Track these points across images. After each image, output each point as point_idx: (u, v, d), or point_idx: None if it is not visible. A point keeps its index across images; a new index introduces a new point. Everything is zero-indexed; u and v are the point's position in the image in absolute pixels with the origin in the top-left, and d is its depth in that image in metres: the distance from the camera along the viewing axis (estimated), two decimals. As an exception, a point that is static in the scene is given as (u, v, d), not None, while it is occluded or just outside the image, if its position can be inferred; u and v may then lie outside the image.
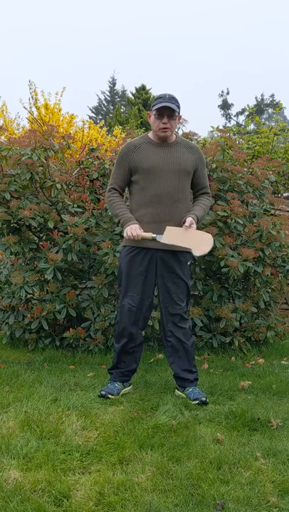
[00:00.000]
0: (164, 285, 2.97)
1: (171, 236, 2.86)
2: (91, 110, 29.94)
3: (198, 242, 2.90)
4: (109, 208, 3.06)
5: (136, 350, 3.03)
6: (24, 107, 9.93)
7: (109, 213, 4.03)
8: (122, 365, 3.04)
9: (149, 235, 2.86)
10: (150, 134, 3.03)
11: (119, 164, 3.01)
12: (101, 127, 11.53)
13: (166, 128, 2.90)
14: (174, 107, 2.86)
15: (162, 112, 2.88)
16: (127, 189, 3.12)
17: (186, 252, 2.98)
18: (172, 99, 2.89)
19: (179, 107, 2.92)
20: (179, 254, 2.95)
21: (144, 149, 2.95)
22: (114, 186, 3.04)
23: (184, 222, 2.89)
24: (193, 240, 2.88)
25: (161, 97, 2.90)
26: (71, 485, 1.90)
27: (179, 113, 2.94)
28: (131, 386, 3.09)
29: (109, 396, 2.87)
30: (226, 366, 3.78)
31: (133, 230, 2.85)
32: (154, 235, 2.86)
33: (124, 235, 2.91)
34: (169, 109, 2.87)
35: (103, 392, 2.89)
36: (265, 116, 29.52)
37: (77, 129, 10.01)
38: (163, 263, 2.94)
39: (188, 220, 2.89)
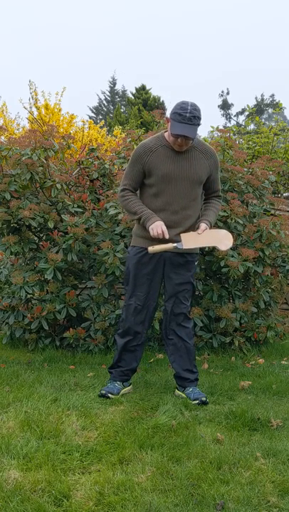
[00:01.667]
0: (170, 285, 2.97)
1: (190, 240, 2.84)
2: (91, 110, 29.98)
3: (219, 238, 2.91)
4: (125, 206, 2.98)
5: (137, 348, 3.03)
6: (24, 107, 9.95)
7: (109, 213, 4.03)
8: (123, 363, 3.04)
9: (170, 245, 2.83)
10: (166, 135, 2.91)
11: (133, 165, 2.93)
12: (101, 127, 11.54)
13: (182, 147, 2.82)
14: (192, 133, 2.70)
15: (179, 135, 2.75)
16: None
17: (194, 253, 2.98)
18: (192, 118, 2.69)
19: (199, 124, 2.75)
20: (186, 255, 2.94)
21: (159, 154, 2.86)
22: (128, 187, 2.96)
23: (198, 228, 2.88)
24: (213, 237, 2.89)
25: (181, 115, 2.69)
26: (71, 485, 1.90)
27: (198, 126, 2.77)
28: (131, 386, 3.09)
29: (110, 396, 2.87)
30: (226, 366, 3.78)
31: (158, 228, 2.80)
32: (175, 244, 2.83)
33: (151, 233, 2.82)
34: (186, 136, 2.73)
35: (103, 392, 2.89)
36: (265, 116, 29.53)
37: (77, 129, 10.01)
38: (170, 263, 2.94)
39: (202, 226, 2.87)
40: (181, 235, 2.86)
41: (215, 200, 3.09)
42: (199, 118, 2.74)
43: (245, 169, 4.57)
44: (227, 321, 4.06)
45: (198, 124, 2.75)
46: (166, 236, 2.80)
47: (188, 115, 2.70)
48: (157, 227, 2.81)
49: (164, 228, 2.81)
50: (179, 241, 2.85)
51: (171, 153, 2.87)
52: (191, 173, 2.87)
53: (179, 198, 2.87)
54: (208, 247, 3.90)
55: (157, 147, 2.89)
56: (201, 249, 4.02)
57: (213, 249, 3.99)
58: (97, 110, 30.13)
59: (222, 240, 2.92)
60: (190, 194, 2.89)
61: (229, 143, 4.42)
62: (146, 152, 2.88)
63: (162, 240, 2.84)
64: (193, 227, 2.92)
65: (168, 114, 2.90)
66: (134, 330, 2.97)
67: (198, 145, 2.94)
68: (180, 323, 2.99)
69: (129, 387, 3.06)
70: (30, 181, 4.06)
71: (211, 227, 2.95)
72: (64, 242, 3.94)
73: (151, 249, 2.83)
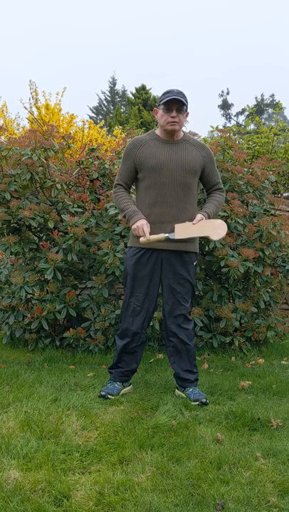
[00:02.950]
0: (168, 285, 2.95)
1: (183, 231, 2.82)
2: (91, 110, 29.97)
3: (212, 228, 2.85)
4: (116, 203, 3.02)
5: (137, 350, 3.02)
6: (24, 107, 9.94)
7: (109, 213, 4.03)
8: (123, 364, 3.03)
9: (162, 235, 2.81)
10: (157, 131, 2.98)
11: (124, 160, 2.97)
12: (101, 127, 11.53)
13: (175, 122, 2.85)
14: (182, 100, 2.83)
15: (171, 105, 2.83)
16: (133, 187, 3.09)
17: (192, 253, 2.96)
18: (180, 93, 2.85)
19: (187, 102, 2.88)
20: (184, 254, 2.93)
21: (150, 146, 2.91)
22: (120, 182, 3.00)
23: (194, 218, 2.87)
24: (206, 228, 2.84)
25: (169, 92, 2.86)
26: (71, 485, 1.90)
27: (187, 108, 2.89)
28: (131, 386, 3.08)
29: (109, 396, 2.87)
30: (226, 366, 3.78)
31: (140, 229, 2.80)
32: (167, 235, 2.81)
33: (132, 231, 2.86)
34: (178, 103, 2.83)
35: (103, 393, 2.89)
36: (265, 116, 29.53)
37: (77, 129, 10.01)
38: (168, 263, 2.92)
39: (198, 217, 2.86)
40: (175, 225, 2.84)
41: (217, 193, 3.08)
42: (185, 97, 2.88)
43: (245, 169, 4.57)
44: (227, 321, 4.06)
45: (186, 100, 2.87)
46: (148, 237, 2.80)
47: (175, 91, 2.86)
48: (139, 228, 2.81)
49: (146, 229, 2.80)
50: (171, 232, 2.83)
51: (162, 144, 2.92)
52: (183, 163, 2.88)
53: (172, 188, 2.86)
54: (204, 240, 3.81)
55: (148, 140, 2.94)
56: (201, 249, 4.02)
57: (213, 249, 3.99)
58: (97, 110, 30.13)
59: (216, 229, 2.86)
60: (183, 184, 2.87)
61: (229, 143, 4.42)
62: (136, 146, 2.93)
63: (160, 230, 2.84)
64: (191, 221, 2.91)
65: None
66: (131, 331, 2.96)
67: (190, 139, 3.00)
68: (180, 324, 2.98)
69: (129, 387, 3.06)
70: (30, 181, 4.06)
71: (209, 219, 2.91)
72: (64, 242, 3.94)
73: (142, 239, 2.82)
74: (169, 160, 2.87)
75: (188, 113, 2.95)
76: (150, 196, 2.88)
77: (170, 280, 2.94)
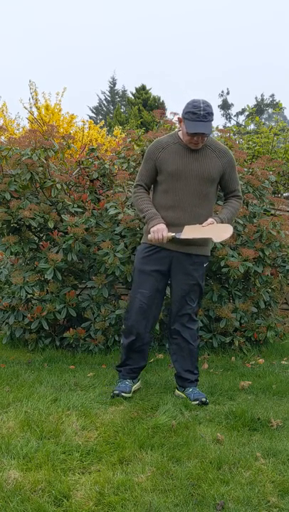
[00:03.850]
0: (177, 286, 2.95)
1: (189, 232, 2.83)
2: (91, 110, 29.97)
3: (218, 231, 2.85)
4: (135, 203, 3.00)
5: (144, 348, 3.01)
6: (24, 107, 9.94)
7: (110, 213, 4.03)
8: (131, 361, 3.03)
9: (170, 234, 2.84)
10: (180, 133, 2.93)
11: (146, 161, 2.95)
12: (101, 127, 11.53)
13: (198, 144, 2.83)
14: (208, 129, 2.74)
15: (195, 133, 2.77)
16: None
17: (203, 256, 2.96)
18: (207, 115, 2.73)
19: (212, 119, 2.79)
20: (194, 256, 2.93)
21: (171, 150, 2.88)
22: (141, 183, 2.98)
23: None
24: (212, 230, 2.84)
25: (195, 114, 2.72)
26: (71, 485, 1.90)
27: (212, 122, 2.81)
28: (140, 382, 3.09)
29: (124, 395, 2.86)
30: (226, 366, 3.78)
31: (159, 233, 2.80)
32: (174, 234, 2.83)
33: (150, 236, 2.85)
34: (203, 134, 2.76)
35: (116, 392, 2.88)
36: (265, 116, 29.53)
37: (77, 129, 10.01)
38: (178, 264, 2.92)
39: (209, 220, 2.86)
40: (185, 226, 2.85)
41: (234, 199, 3.05)
42: (212, 114, 2.79)
43: (245, 169, 4.57)
44: (227, 321, 4.06)
45: (212, 120, 2.80)
46: (165, 241, 2.81)
47: (202, 112, 2.73)
48: (159, 231, 2.81)
49: (165, 234, 2.81)
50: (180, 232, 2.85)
51: (183, 150, 2.88)
52: (201, 171, 2.86)
53: (188, 195, 2.86)
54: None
55: (169, 144, 2.91)
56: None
57: (213, 249, 3.99)
58: (97, 110, 30.13)
59: (220, 232, 2.85)
60: (200, 192, 2.87)
61: (229, 143, 4.42)
62: (159, 148, 2.91)
63: (174, 229, 2.84)
64: None
65: (180, 113, 2.92)
66: (136, 329, 2.95)
67: (211, 144, 2.94)
68: (184, 323, 2.98)
69: (138, 383, 3.06)
70: (30, 181, 4.06)
71: (220, 223, 2.90)
72: (64, 242, 3.94)
73: (150, 236, 2.84)
74: (187, 168, 2.85)
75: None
76: (166, 200, 2.89)
77: (179, 280, 2.94)
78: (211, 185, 2.91)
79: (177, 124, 4.06)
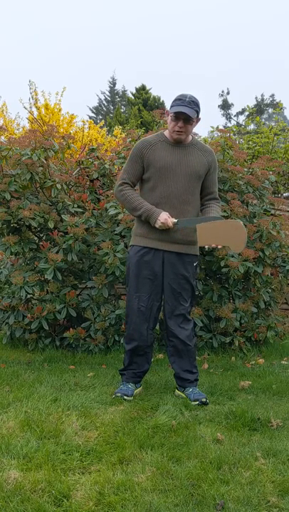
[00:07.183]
0: (169, 285, 2.96)
1: (205, 237, 2.80)
2: (91, 110, 29.96)
3: (232, 236, 2.79)
4: (123, 201, 2.97)
5: (147, 351, 3.02)
6: (24, 107, 9.95)
7: (110, 213, 4.03)
8: (135, 366, 3.03)
9: (173, 220, 2.82)
10: (166, 133, 2.97)
11: (132, 160, 2.95)
12: (101, 127, 11.54)
13: (181, 132, 2.85)
14: (191, 113, 2.78)
15: (179, 115, 2.81)
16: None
17: (192, 255, 2.97)
18: (192, 102, 2.81)
19: (198, 111, 2.84)
20: (184, 256, 2.94)
21: (158, 148, 2.91)
22: (127, 181, 2.96)
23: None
24: (226, 235, 2.79)
25: (181, 99, 2.81)
26: (71, 485, 1.90)
27: (197, 117, 2.86)
28: (142, 387, 3.09)
29: (125, 398, 2.86)
30: (226, 366, 3.78)
31: (169, 222, 2.80)
32: (175, 220, 2.81)
33: (158, 226, 2.83)
34: (185, 114, 2.79)
35: (118, 394, 2.88)
36: (265, 116, 29.53)
37: (77, 129, 10.01)
38: (170, 263, 2.93)
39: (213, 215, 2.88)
40: (197, 225, 2.82)
41: (213, 202, 3.05)
42: (198, 105, 2.85)
43: (245, 169, 4.57)
44: (227, 321, 4.06)
45: (197, 111, 2.85)
46: (170, 225, 2.81)
47: (187, 99, 2.82)
48: (167, 221, 2.80)
49: (170, 221, 2.81)
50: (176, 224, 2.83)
51: (170, 147, 2.92)
52: (188, 167, 2.89)
53: (176, 191, 2.87)
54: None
55: (156, 142, 2.94)
56: (201, 249, 4.00)
57: (213, 249, 3.99)
58: (97, 110, 30.12)
59: (235, 238, 2.78)
60: (188, 189, 2.89)
61: (229, 143, 4.42)
62: (146, 146, 2.93)
63: (164, 231, 2.85)
64: None
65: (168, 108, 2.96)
66: (139, 332, 2.95)
67: (197, 143, 3.00)
68: (179, 324, 2.98)
69: (140, 388, 3.06)
70: (30, 181, 4.06)
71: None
72: (64, 242, 3.94)
73: (159, 224, 2.82)
74: (175, 163, 2.88)
75: (199, 119, 2.91)
76: (154, 197, 2.90)
77: (171, 280, 2.95)
78: (198, 182, 2.94)
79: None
